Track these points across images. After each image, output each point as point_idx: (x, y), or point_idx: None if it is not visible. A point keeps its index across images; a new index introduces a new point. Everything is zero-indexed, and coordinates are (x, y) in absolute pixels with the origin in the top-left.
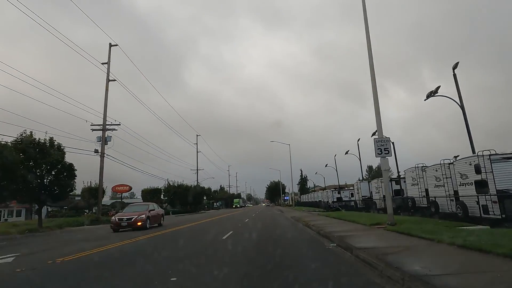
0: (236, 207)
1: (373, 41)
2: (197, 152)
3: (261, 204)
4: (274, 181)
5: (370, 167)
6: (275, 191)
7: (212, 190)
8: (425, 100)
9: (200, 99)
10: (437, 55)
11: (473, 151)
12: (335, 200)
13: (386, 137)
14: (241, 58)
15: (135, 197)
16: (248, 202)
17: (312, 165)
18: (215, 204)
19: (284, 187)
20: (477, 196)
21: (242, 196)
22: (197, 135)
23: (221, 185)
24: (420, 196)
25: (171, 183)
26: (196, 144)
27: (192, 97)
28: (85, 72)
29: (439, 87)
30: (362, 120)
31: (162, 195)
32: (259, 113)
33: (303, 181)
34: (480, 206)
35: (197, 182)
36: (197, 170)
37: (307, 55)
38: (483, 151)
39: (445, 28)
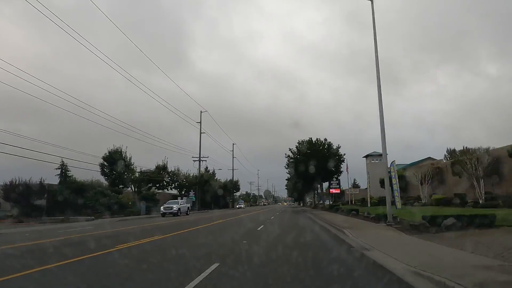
0: None
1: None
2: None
3: (282, 203)
4: (304, 139)
5: (452, 151)
6: (301, 187)
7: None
8: None
9: (207, 83)
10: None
11: None
12: None
13: None
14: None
15: None
16: (264, 200)
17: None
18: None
19: (341, 158)
20: None
21: (257, 193)
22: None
23: (213, 169)
24: None
25: None
26: None
27: (197, 80)
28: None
29: None
30: (396, 111)
31: None
32: (279, 103)
33: None
34: None
35: None
36: None
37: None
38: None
39: None
